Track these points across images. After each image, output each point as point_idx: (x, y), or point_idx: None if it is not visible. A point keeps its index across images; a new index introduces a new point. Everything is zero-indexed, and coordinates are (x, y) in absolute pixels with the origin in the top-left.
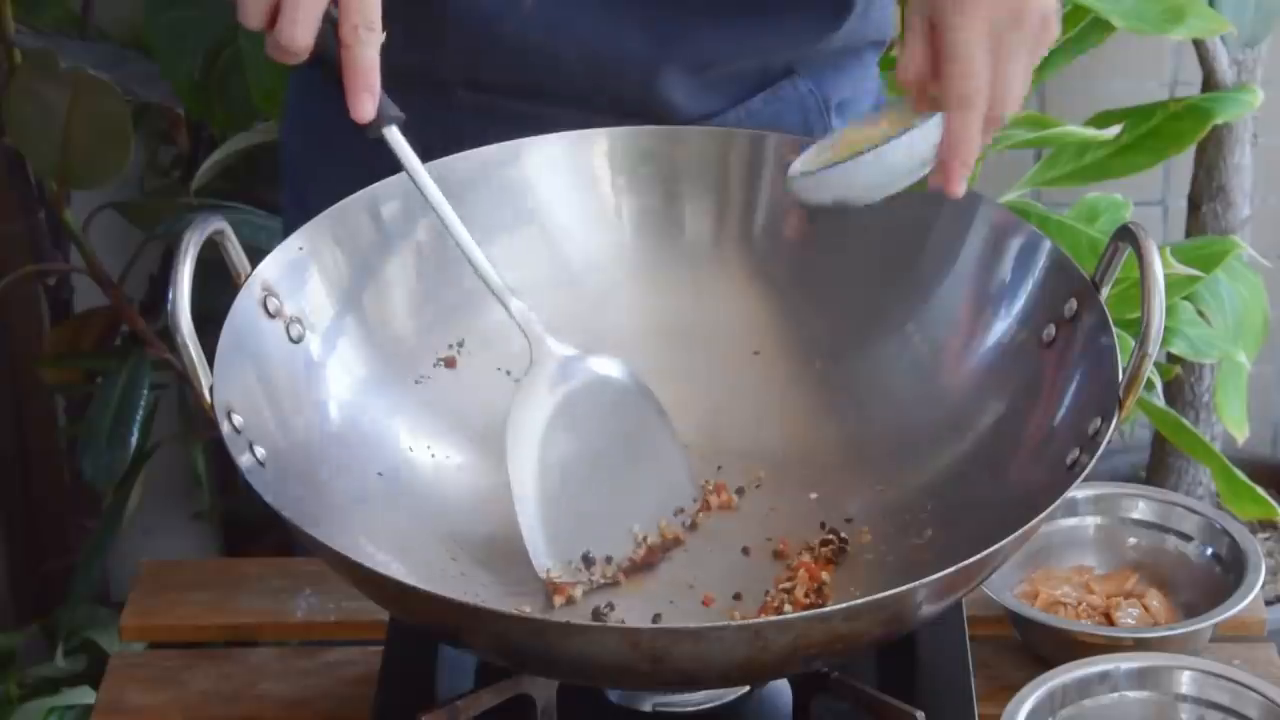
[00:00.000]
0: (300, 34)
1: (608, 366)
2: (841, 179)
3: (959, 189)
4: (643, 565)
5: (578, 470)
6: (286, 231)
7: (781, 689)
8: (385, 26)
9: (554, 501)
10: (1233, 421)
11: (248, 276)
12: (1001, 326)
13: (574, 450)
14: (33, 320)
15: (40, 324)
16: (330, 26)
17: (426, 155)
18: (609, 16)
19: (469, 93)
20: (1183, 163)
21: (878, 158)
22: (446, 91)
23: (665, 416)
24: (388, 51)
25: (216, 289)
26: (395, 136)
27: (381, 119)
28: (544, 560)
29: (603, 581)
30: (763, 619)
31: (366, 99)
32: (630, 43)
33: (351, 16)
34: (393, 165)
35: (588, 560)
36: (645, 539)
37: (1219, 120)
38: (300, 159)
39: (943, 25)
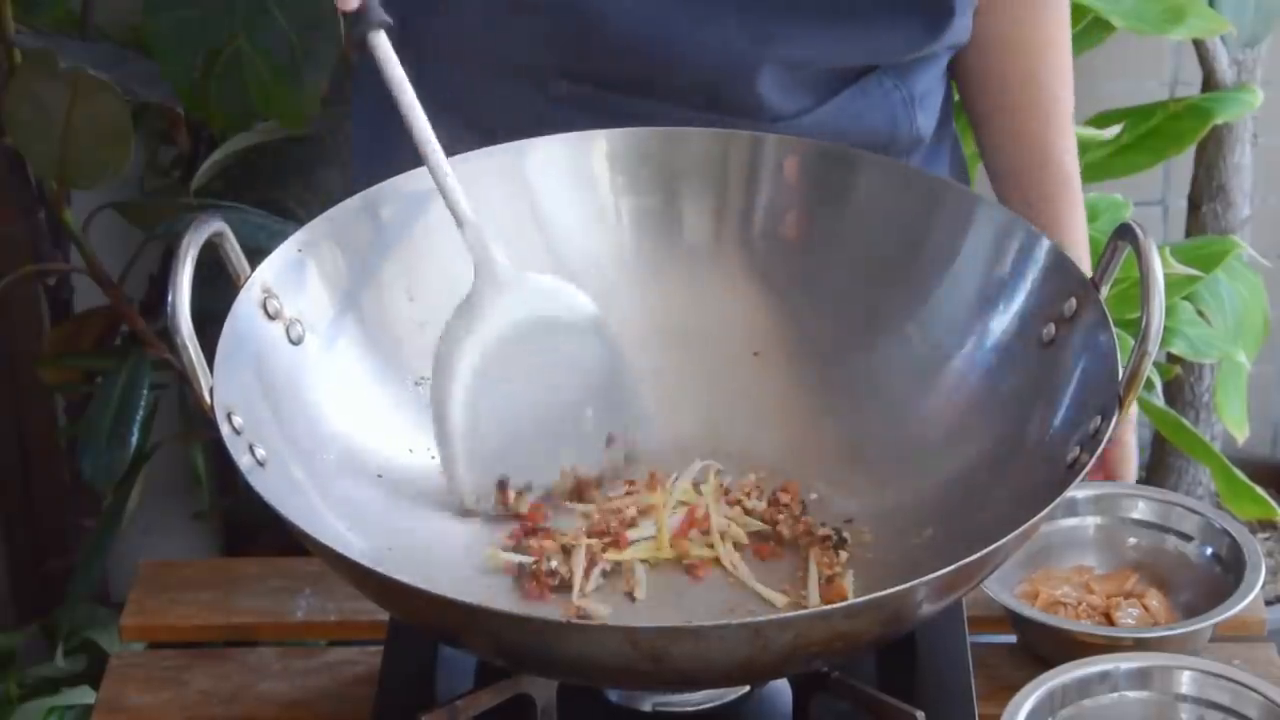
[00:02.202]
0: None
1: (560, 294)
2: None
3: None
4: (571, 497)
5: (511, 397)
6: None
7: (781, 689)
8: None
9: (478, 427)
10: (1233, 421)
11: (247, 278)
12: (1001, 326)
13: (510, 376)
14: (33, 320)
15: (40, 324)
16: None
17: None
18: (710, 14)
19: (566, 83)
20: (1183, 163)
21: None
22: (544, 81)
23: (617, 351)
24: (481, 36)
25: (216, 289)
26: (381, 42)
27: (368, 22)
28: (460, 484)
29: (514, 511)
30: (763, 617)
31: None
32: (730, 41)
33: None
34: (463, 148)
35: (502, 485)
36: (574, 469)
37: (1219, 120)
38: (371, 146)
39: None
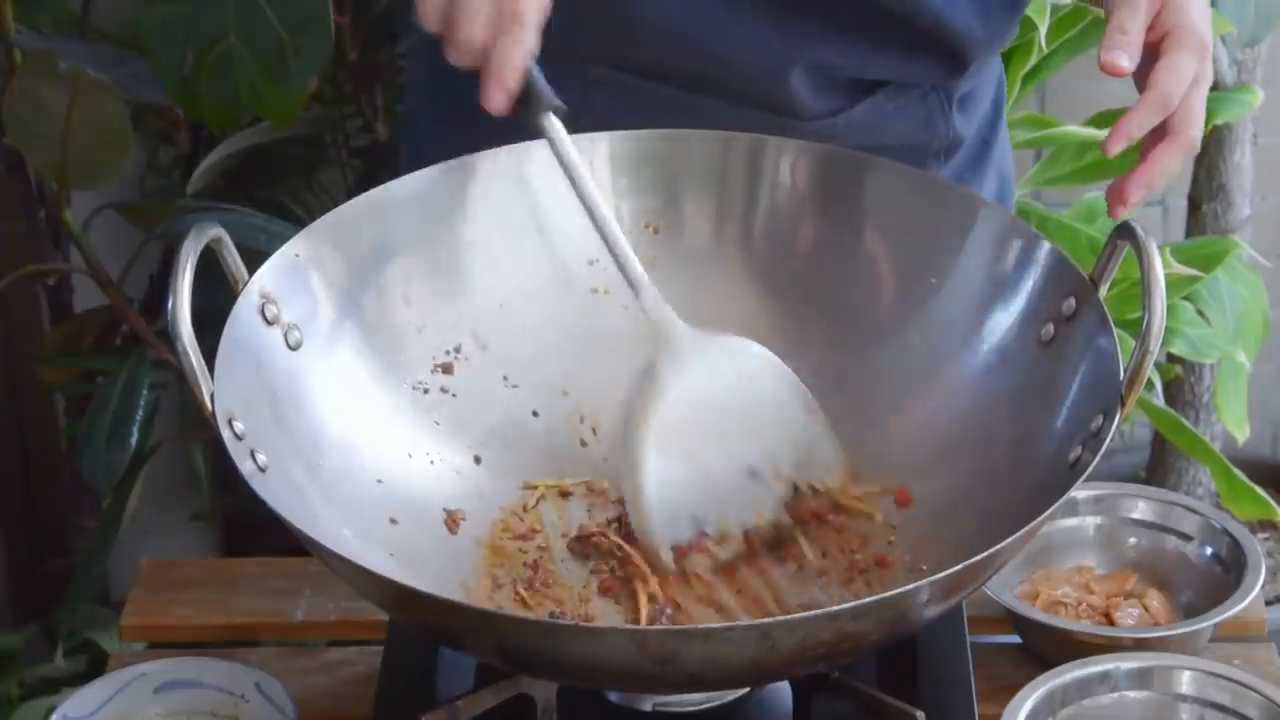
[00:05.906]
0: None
1: (741, 351)
2: None
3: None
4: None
5: (697, 456)
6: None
7: (781, 689)
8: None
9: (667, 491)
10: (1233, 421)
11: (245, 284)
12: (1001, 327)
13: (696, 436)
14: (33, 320)
15: (40, 324)
16: None
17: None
18: (745, 15)
19: (606, 71)
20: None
21: None
22: (585, 66)
23: (802, 390)
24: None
25: (216, 288)
26: (553, 124)
27: (541, 105)
28: (657, 530)
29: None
30: (771, 619)
31: (496, 91)
32: (763, 41)
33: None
34: (516, 137)
35: (697, 520)
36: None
37: (1219, 120)
38: (423, 130)
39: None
